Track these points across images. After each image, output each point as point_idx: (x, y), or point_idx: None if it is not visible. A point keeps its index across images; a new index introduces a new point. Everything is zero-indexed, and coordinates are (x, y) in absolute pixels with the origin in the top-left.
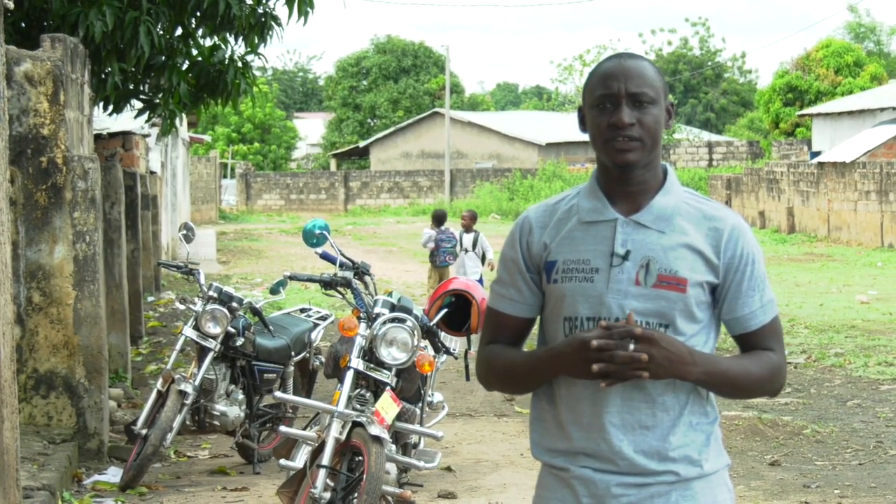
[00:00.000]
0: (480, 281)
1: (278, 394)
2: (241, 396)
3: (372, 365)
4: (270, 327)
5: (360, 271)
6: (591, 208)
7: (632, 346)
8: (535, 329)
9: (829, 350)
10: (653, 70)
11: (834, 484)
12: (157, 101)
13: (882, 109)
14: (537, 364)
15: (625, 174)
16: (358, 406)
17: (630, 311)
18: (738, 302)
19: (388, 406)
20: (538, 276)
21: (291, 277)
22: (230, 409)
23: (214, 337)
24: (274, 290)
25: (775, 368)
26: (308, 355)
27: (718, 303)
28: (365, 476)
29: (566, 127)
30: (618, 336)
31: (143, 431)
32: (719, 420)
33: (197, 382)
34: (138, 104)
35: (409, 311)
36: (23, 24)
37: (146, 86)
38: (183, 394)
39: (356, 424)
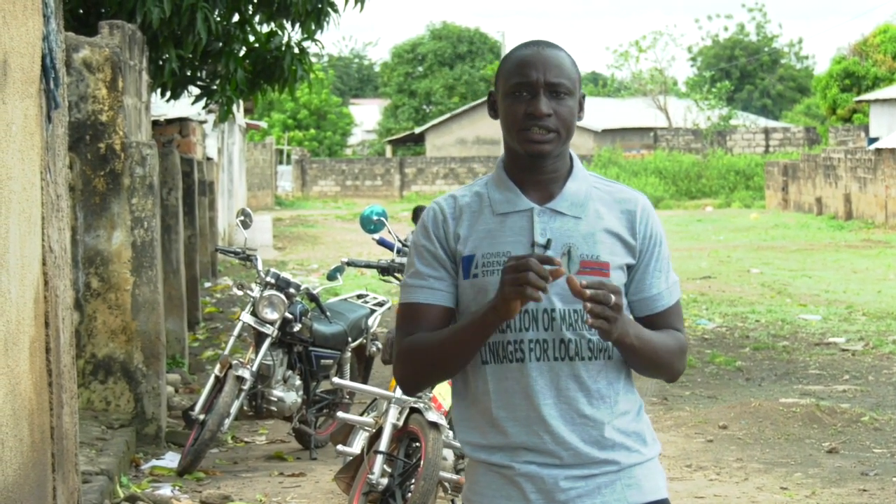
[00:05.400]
0: None
1: (335, 379)
2: (298, 382)
3: None
4: (327, 313)
5: None
6: (503, 199)
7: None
8: None
9: (887, 337)
10: (570, 61)
11: (892, 472)
12: (214, 87)
13: None
14: (469, 325)
15: (536, 163)
16: None
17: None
18: (645, 283)
19: (445, 392)
20: (455, 267)
21: (349, 263)
22: (287, 394)
23: (272, 323)
24: (331, 276)
25: (684, 348)
26: (365, 341)
27: (627, 283)
28: (422, 462)
29: (622, 113)
30: (604, 297)
31: (201, 417)
32: (643, 405)
33: (254, 368)
34: (195, 91)
35: None
36: (81, 11)
37: (203, 72)
38: (240, 379)
39: (413, 410)
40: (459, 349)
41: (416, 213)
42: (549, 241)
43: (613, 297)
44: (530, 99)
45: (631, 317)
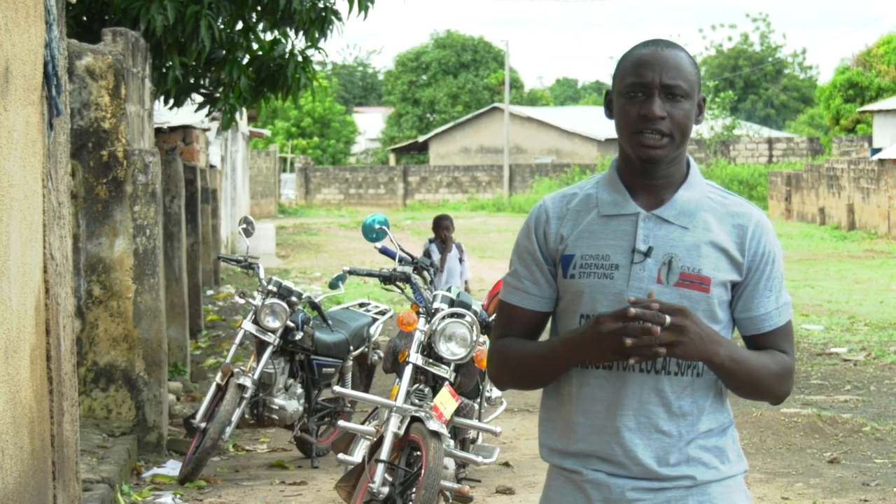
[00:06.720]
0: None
1: (337, 388)
2: (299, 390)
3: (431, 360)
4: (329, 322)
5: (420, 266)
6: (611, 201)
7: (660, 331)
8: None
9: (888, 347)
10: (689, 62)
11: (893, 482)
12: (218, 95)
13: None
14: (553, 351)
15: (649, 168)
16: (416, 401)
17: (651, 291)
18: (753, 301)
19: (446, 401)
20: (554, 268)
21: (351, 272)
22: (289, 403)
23: (273, 331)
24: (333, 285)
25: (788, 370)
26: (367, 350)
27: (734, 300)
28: (423, 471)
29: None
30: (652, 317)
31: (202, 425)
32: (734, 423)
33: (256, 376)
34: (199, 98)
35: (467, 307)
36: (84, 18)
37: (206, 80)
38: (242, 387)
39: (415, 419)
40: (548, 369)
41: (436, 223)
42: (650, 248)
43: (668, 319)
44: (644, 100)
45: (731, 335)
